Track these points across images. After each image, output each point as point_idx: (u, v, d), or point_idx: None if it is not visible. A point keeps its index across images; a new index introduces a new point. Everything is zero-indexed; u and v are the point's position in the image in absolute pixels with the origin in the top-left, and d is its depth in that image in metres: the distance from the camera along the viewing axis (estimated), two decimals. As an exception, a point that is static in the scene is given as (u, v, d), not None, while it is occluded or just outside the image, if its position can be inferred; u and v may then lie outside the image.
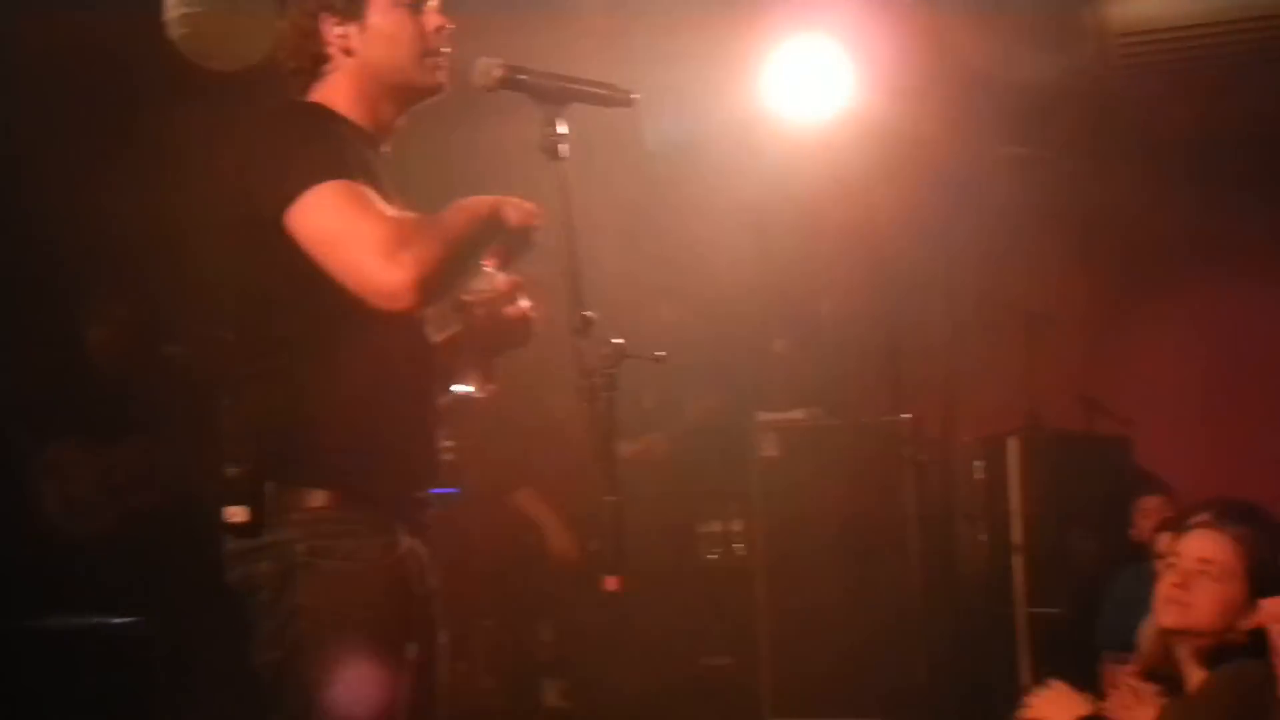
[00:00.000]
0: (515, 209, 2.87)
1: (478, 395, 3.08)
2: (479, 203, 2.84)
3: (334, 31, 2.95)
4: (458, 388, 3.07)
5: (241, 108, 3.02)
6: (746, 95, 6.57)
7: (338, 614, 2.75)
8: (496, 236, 2.88)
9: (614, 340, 2.69)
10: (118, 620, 5.51)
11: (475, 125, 4.42)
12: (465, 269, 2.85)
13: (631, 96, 2.85)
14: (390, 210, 2.72)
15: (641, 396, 7.19)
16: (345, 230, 2.67)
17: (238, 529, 2.80)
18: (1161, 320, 7.19)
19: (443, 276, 2.73)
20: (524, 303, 3.03)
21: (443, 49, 3.00)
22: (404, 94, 3.01)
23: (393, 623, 2.80)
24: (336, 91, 2.96)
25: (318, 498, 2.78)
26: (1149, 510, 6.23)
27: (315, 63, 2.98)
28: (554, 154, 2.78)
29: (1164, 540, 5.51)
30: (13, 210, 5.95)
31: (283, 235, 2.71)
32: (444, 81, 3.00)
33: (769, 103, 6.59)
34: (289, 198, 2.69)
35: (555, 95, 2.81)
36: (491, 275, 2.97)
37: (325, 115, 2.92)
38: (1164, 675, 3.74)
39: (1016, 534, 6.64)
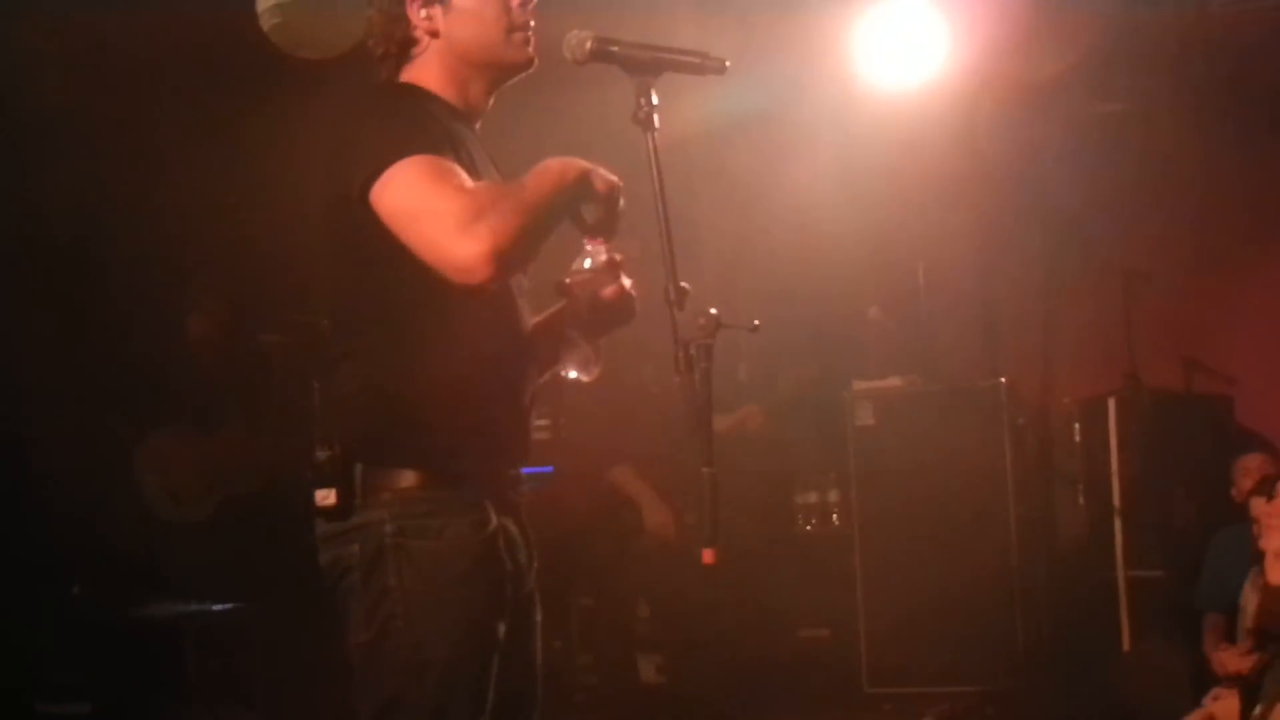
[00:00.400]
0: (601, 177, 2.83)
1: (583, 379, 3.06)
2: (566, 165, 2.79)
3: (420, 14, 2.95)
4: (565, 373, 3.05)
5: (334, 92, 3.02)
6: (839, 59, 6.55)
7: (427, 594, 2.74)
8: (583, 202, 2.85)
9: (709, 311, 2.65)
10: (218, 607, 5.58)
11: (567, 99, 4.40)
12: (547, 234, 2.78)
13: (725, 64, 2.79)
14: (469, 182, 2.69)
15: (736, 369, 7.19)
16: (422, 204, 2.64)
17: (328, 512, 2.79)
18: (1262, 277, 7.05)
19: (522, 246, 2.67)
20: (625, 281, 3.00)
21: (529, 23, 2.99)
22: (493, 71, 3.00)
23: (483, 601, 2.78)
24: (426, 72, 2.97)
25: (406, 478, 2.77)
26: (1249, 470, 6.13)
27: (403, 47, 2.98)
28: (649, 125, 2.74)
29: (1259, 503, 5.46)
30: (110, 203, 6.04)
31: (370, 212, 2.70)
32: (532, 56, 2.98)
33: (862, 66, 6.57)
34: (374, 174, 2.68)
35: (647, 65, 2.77)
36: (591, 254, 2.94)
37: (416, 93, 2.92)
38: (1275, 634, 3.69)
39: (1116, 496, 6.56)
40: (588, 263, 2.94)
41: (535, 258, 2.81)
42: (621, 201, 2.88)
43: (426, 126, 2.76)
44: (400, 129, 2.73)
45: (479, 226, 2.59)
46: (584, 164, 2.82)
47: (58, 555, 5.62)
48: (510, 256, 2.63)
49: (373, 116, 2.82)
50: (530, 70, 2.99)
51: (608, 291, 2.95)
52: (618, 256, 2.95)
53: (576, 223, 2.88)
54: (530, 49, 2.98)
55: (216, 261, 6.32)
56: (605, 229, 2.90)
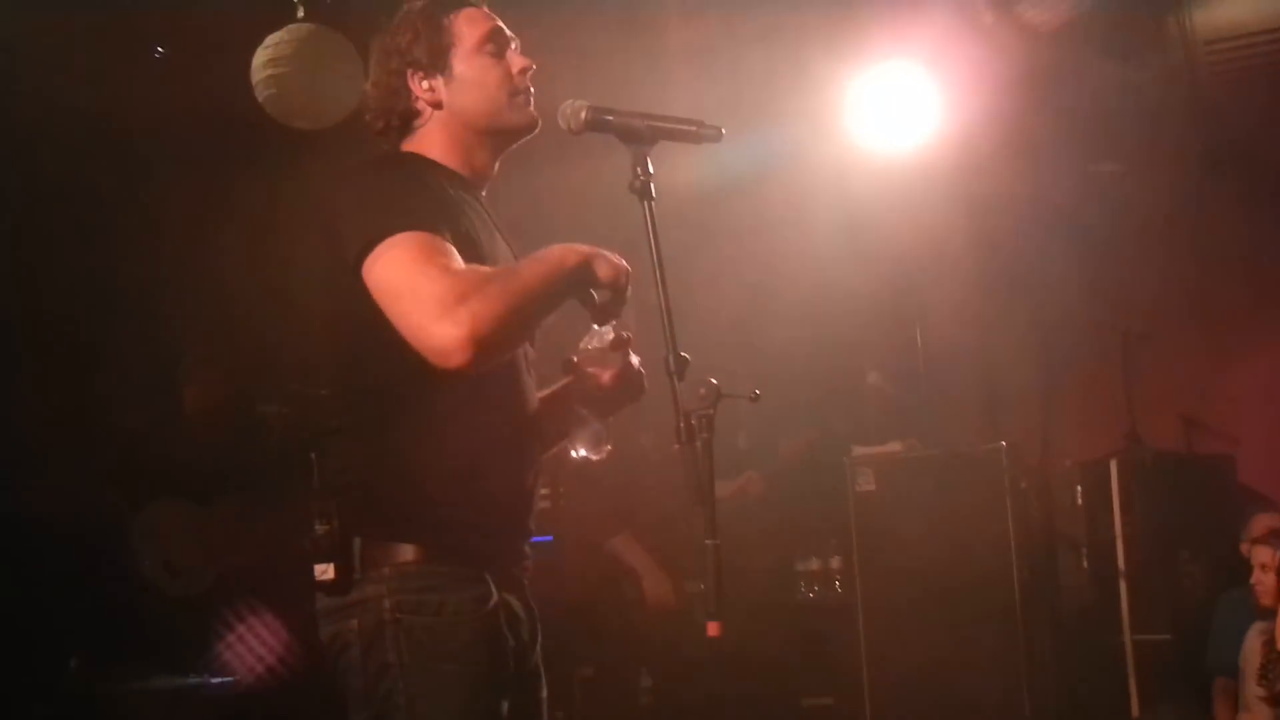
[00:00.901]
0: (606, 262, 2.81)
1: (593, 458, 3.04)
2: (565, 252, 2.78)
3: (422, 86, 2.97)
4: (575, 451, 3.02)
5: (333, 163, 3.03)
6: (836, 124, 6.57)
7: (427, 670, 2.71)
8: (582, 288, 2.83)
9: (710, 380, 2.64)
10: (217, 680, 5.55)
11: (562, 167, 4.42)
12: (538, 321, 2.79)
13: (721, 132, 2.80)
14: (458, 263, 2.67)
15: (736, 436, 7.18)
16: (406, 283, 2.63)
17: (327, 586, 2.77)
18: (1261, 335, 7.04)
19: (504, 333, 2.65)
20: (634, 358, 2.99)
21: (530, 88, 3.00)
22: (497, 137, 3.02)
23: (485, 677, 2.75)
24: (430, 142, 2.98)
25: (405, 552, 2.75)
26: (1259, 528, 6.09)
27: (405, 119, 3.00)
28: (645, 194, 2.74)
29: (1262, 551, 5.44)
30: (109, 275, 6.05)
31: (365, 285, 2.70)
32: (536, 117, 3.00)
33: (858, 131, 6.59)
34: (367, 247, 2.68)
35: (643, 134, 2.78)
36: (599, 333, 2.93)
37: (419, 163, 2.93)
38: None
39: (1120, 559, 6.51)
40: (595, 340, 2.93)
41: (521, 344, 2.80)
42: (629, 286, 2.86)
43: (425, 200, 2.76)
44: (397, 203, 2.73)
45: (460, 311, 2.57)
46: (587, 251, 2.80)
47: (56, 628, 5.58)
48: (490, 343, 2.61)
49: (371, 189, 2.82)
50: (534, 132, 3.01)
51: (616, 369, 2.94)
52: (626, 334, 2.93)
53: (584, 304, 2.86)
54: (532, 113, 2.99)
55: (214, 333, 6.32)
56: (611, 313, 2.89)
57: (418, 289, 2.61)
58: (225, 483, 5.97)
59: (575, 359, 2.96)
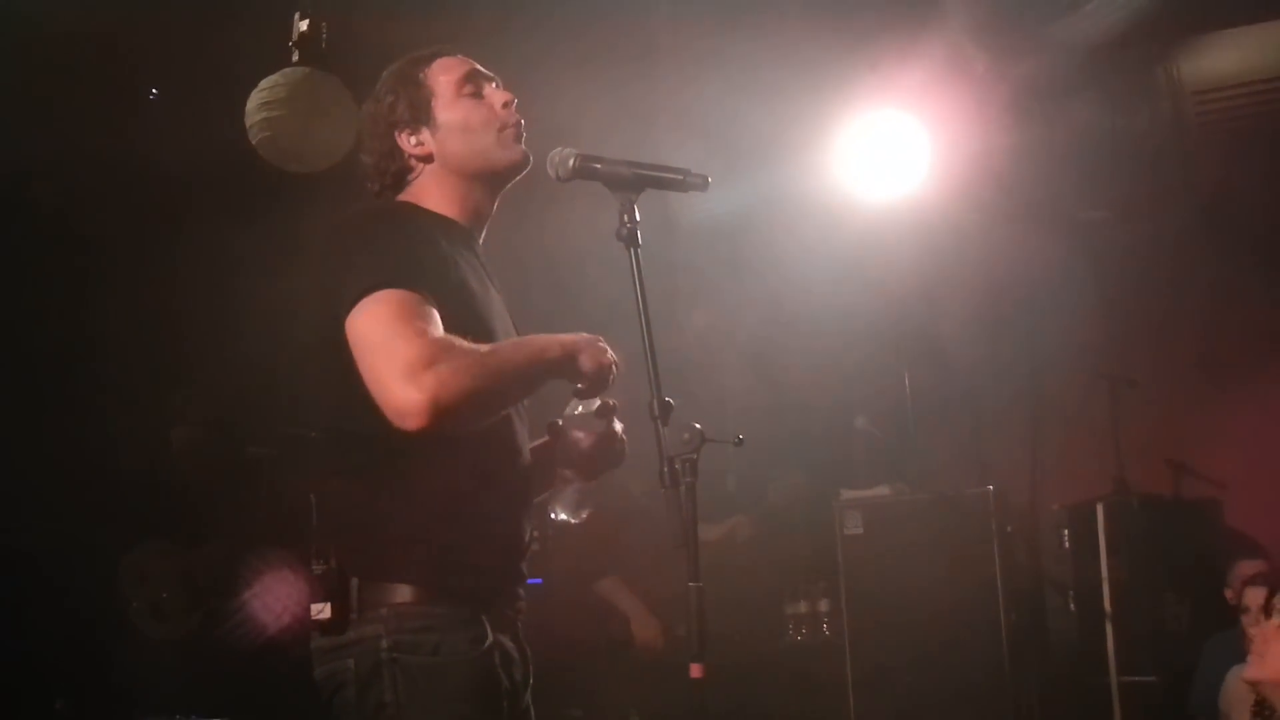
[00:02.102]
0: (591, 357, 2.84)
1: (571, 522, 3.06)
2: (549, 343, 2.81)
3: (410, 142, 3.02)
4: (553, 514, 3.05)
5: (330, 212, 3.06)
6: (823, 170, 6.61)
7: (423, 710, 2.73)
8: (562, 377, 2.86)
9: (694, 425, 2.66)
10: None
11: (549, 214, 4.45)
12: (505, 401, 2.81)
13: (708, 180, 2.83)
14: (436, 328, 2.69)
15: (724, 479, 7.18)
16: (380, 340, 2.66)
17: (323, 626, 2.79)
18: (1247, 380, 7.07)
19: (466, 407, 2.66)
20: (618, 425, 3.01)
21: (518, 121, 3.03)
22: (491, 177, 3.05)
23: (479, 718, 2.77)
24: (425, 193, 3.01)
25: (402, 592, 2.77)
26: (1245, 574, 6.10)
27: (400, 178, 3.04)
28: (632, 241, 2.77)
29: (1254, 593, 5.45)
30: (97, 317, 6.05)
31: None
32: (526, 153, 3.03)
33: (846, 177, 6.63)
34: (351, 301, 2.71)
35: (630, 182, 2.81)
36: (585, 401, 2.96)
37: (416, 214, 2.96)
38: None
39: (1107, 602, 6.52)
40: (581, 406, 2.95)
41: (484, 421, 2.79)
42: (612, 378, 2.88)
43: (417, 256, 2.78)
44: (388, 258, 2.75)
45: (426, 376, 2.59)
46: (571, 344, 2.83)
47: (41, 670, 5.56)
48: (449, 413, 2.62)
49: (366, 241, 2.83)
50: (528, 168, 3.03)
51: (598, 435, 2.97)
52: (612, 402, 2.96)
53: (569, 380, 2.89)
54: (522, 145, 3.02)
55: (202, 374, 6.32)
56: (592, 394, 2.93)
57: (391, 348, 2.64)
58: (212, 523, 5.96)
59: (559, 422, 2.98)
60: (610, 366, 2.86)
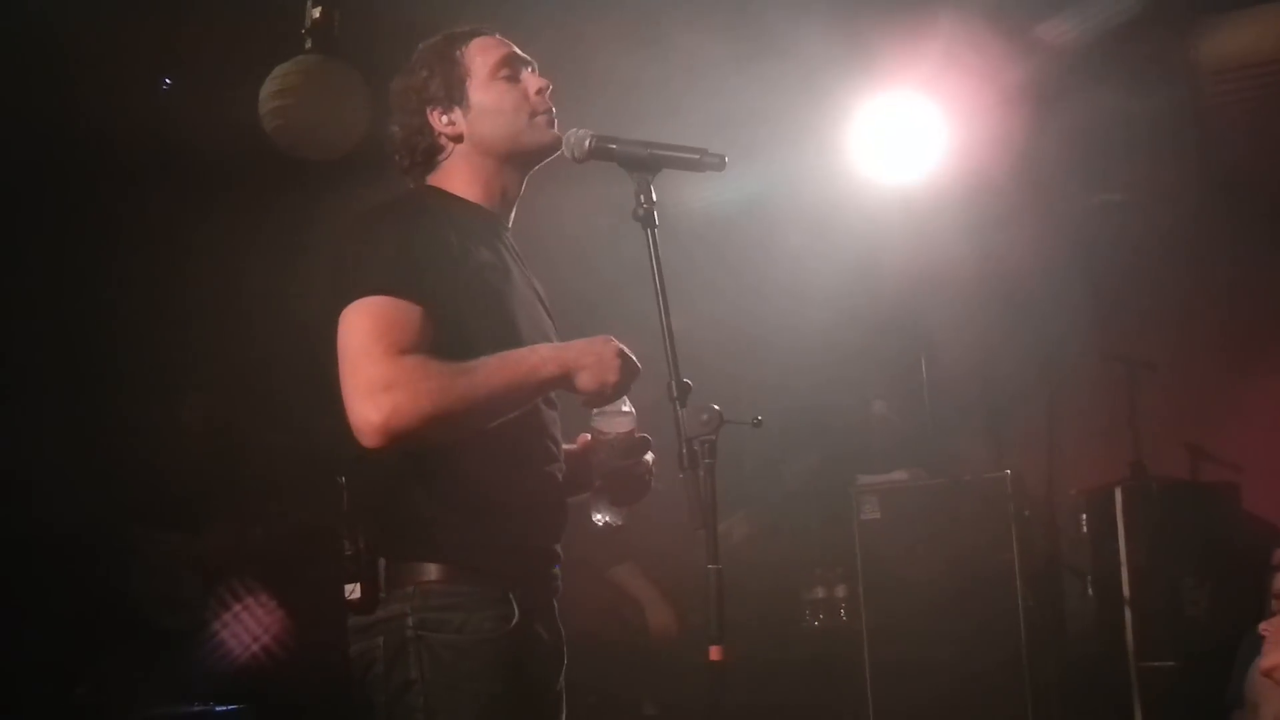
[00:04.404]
0: (594, 376, 2.80)
1: (615, 524, 3.08)
2: (543, 363, 2.79)
3: (443, 121, 3.01)
4: (595, 517, 3.07)
5: (354, 200, 3.06)
6: (841, 152, 6.60)
7: (449, 687, 2.75)
8: (561, 390, 2.86)
9: (712, 406, 2.65)
10: (221, 709, 5.54)
11: (567, 196, 4.45)
12: (481, 423, 2.77)
13: (724, 160, 2.82)
14: (414, 343, 2.69)
15: (741, 462, 7.16)
16: (351, 354, 2.69)
17: (354, 606, 2.82)
18: (1265, 363, 7.03)
19: (423, 431, 2.66)
20: (648, 456, 3.02)
21: (550, 108, 3.03)
22: (521, 159, 3.05)
23: (504, 696, 2.79)
24: (454, 175, 3.01)
25: (428, 571, 2.79)
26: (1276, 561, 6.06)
27: (429, 156, 3.04)
28: (649, 221, 2.76)
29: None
30: (114, 301, 6.06)
31: None
32: (558, 136, 3.02)
33: (863, 159, 6.62)
34: (349, 298, 2.73)
35: (646, 162, 2.81)
36: (624, 419, 2.96)
37: (439, 200, 2.96)
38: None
39: (1125, 587, 6.50)
40: (617, 425, 2.97)
41: (453, 437, 2.77)
42: (611, 394, 2.86)
43: (419, 256, 2.77)
44: (385, 260, 2.75)
45: (382, 398, 2.61)
46: (572, 363, 2.79)
47: (61, 657, 5.57)
48: (404, 436, 2.64)
49: (369, 240, 2.84)
50: (558, 151, 3.01)
51: (631, 466, 2.99)
52: (645, 437, 2.98)
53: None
54: (555, 130, 3.01)
55: (215, 358, 6.32)
56: (595, 405, 2.92)
57: (356, 364, 2.67)
58: (220, 506, 5.97)
59: (598, 434, 2.99)
60: (610, 387, 2.82)
